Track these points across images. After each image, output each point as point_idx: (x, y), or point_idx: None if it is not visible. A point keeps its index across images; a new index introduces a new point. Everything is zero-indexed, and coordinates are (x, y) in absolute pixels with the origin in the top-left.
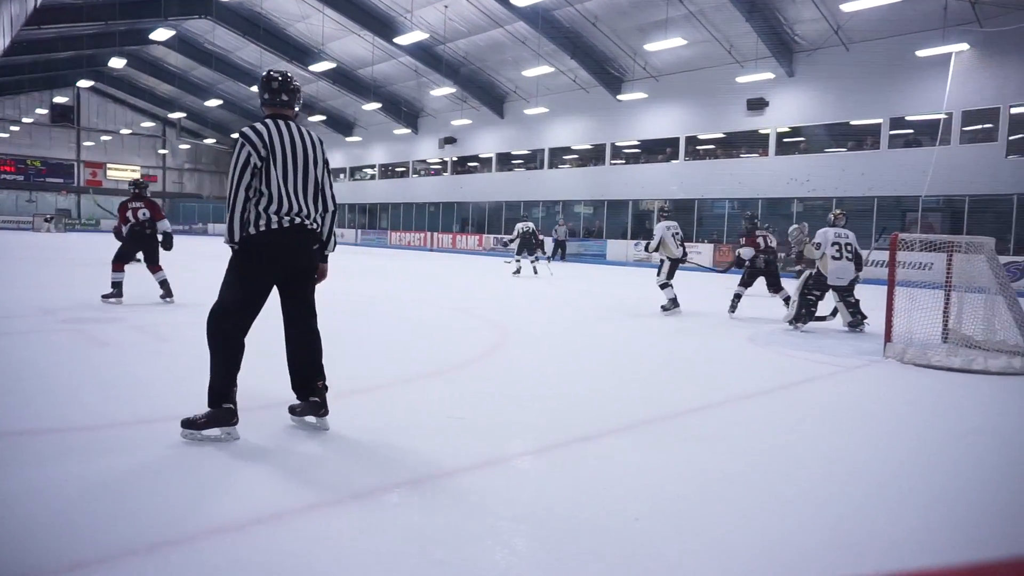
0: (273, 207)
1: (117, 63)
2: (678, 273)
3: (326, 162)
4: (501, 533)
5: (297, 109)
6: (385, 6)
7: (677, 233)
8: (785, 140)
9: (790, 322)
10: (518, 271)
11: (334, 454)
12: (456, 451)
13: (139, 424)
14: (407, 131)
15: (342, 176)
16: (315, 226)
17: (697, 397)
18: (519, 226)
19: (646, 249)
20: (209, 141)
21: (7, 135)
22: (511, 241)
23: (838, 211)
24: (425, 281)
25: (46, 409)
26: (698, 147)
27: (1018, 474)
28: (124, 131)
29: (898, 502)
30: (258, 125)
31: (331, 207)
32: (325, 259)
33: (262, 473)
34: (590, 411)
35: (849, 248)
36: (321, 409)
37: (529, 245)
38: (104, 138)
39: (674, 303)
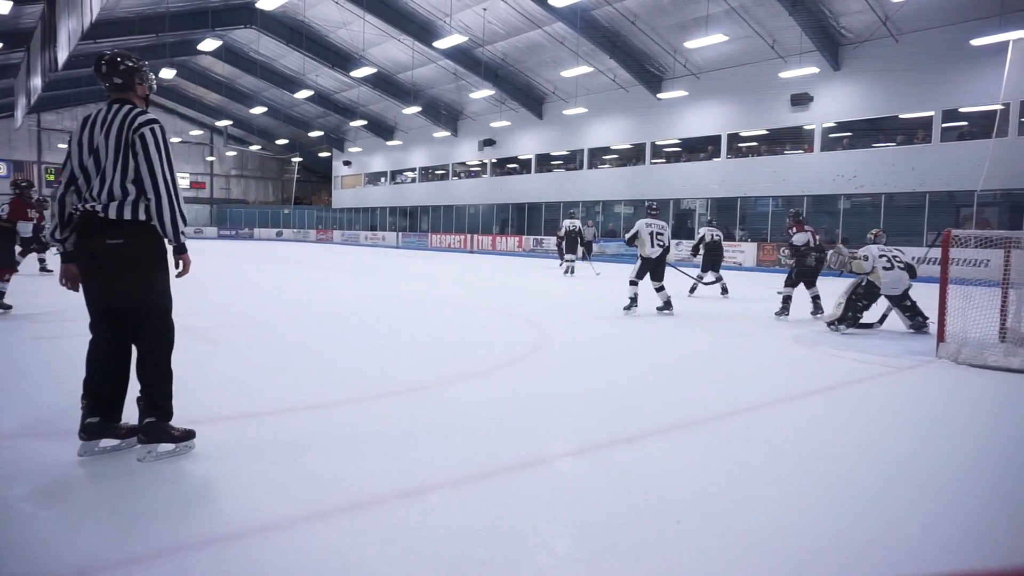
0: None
1: (167, 74)
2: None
3: (143, 145)
4: (542, 534)
5: (132, 90)
6: (424, 11)
7: (659, 233)
8: (831, 135)
9: (831, 323)
10: (570, 271)
11: (377, 454)
12: (497, 452)
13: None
14: (447, 134)
15: (383, 180)
16: (109, 214)
17: (741, 398)
18: (566, 223)
19: (626, 241)
20: (254, 148)
21: (65, 146)
22: (562, 240)
23: (876, 230)
24: (465, 283)
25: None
26: (740, 144)
27: None
28: (174, 139)
29: (954, 505)
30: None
31: (149, 195)
32: (177, 248)
33: (297, 475)
34: (631, 412)
35: (898, 259)
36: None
37: (573, 244)
38: None
39: (633, 303)
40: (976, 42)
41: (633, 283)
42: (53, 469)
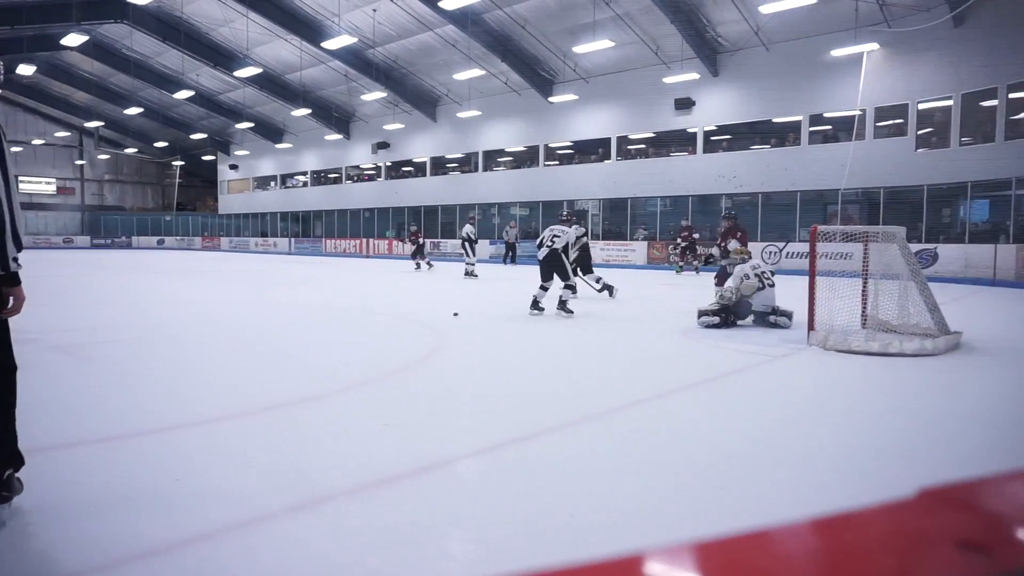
0: None
1: (26, 70)
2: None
3: None
4: (438, 538)
5: None
6: (312, 10)
7: (556, 236)
8: (712, 138)
9: (704, 314)
10: (470, 275)
11: (265, 468)
12: (393, 458)
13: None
14: (339, 137)
15: (273, 184)
16: None
17: (632, 392)
18: (465, 228)
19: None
20: (130, 151)
21: None
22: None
23: (737, 247)
24: (360, 288)
25: None
26: (629, 147)
27: (934, 447)
28: (37, 141)
29: (822, 480)
30: None
31: None
32: (6, 279)
33: (180, 494)
34: (526, 411)
35: (767, 275)
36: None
37: (471, 248)
38: (15, 149)
39: (536, 305)
40: (836, 53)
41: (543, 287)
42: None
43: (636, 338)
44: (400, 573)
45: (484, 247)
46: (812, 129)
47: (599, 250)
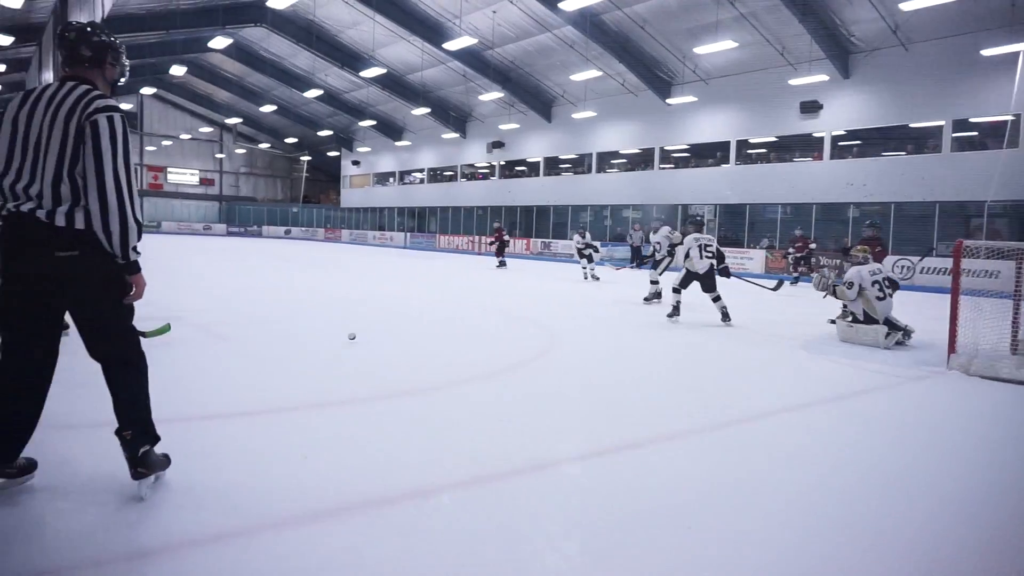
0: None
1: (178, 71)
2: (732, 283)
3: (94, 133)
4: (551, 536)
5: (99, 69)
6: (434, 12)
7: (707, 246)
8: (841, 143)
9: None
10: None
11: (385, 453)
12: (505, 454)
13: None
14: (455, 135)
15: (391, 180)
16: (56, 220)
17: (752, 406)
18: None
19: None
20: (264, 146)
21: None
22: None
23: (859, 246)
24: (475, 285)
25: None
26: (749, 151)
27: None
28: (184, 136)
29: (967, 520)
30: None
31: (92, 197)
32: (127, 268)
33: (306, 471)
34: (639, 418)
35: (888, 283)
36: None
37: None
38: (165, 143)
39: (676, 311)
40: (986, 52)
41: (676, 291)
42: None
43: (752, 348)
44: (513, 567)
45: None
46: (955, 135)
47: None
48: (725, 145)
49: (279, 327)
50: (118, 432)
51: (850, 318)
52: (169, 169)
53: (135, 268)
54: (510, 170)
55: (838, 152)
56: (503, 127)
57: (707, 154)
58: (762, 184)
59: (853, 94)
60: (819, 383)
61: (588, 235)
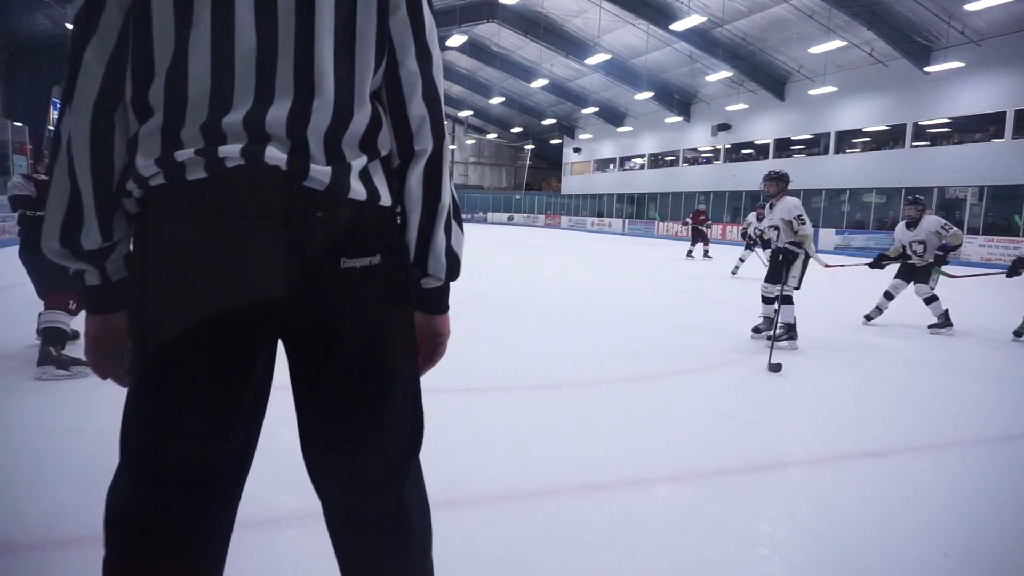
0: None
1: None
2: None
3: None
4: (779, 543)
5: None
6: None
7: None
8: None
9: None
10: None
11: (605, 439)
12: (727, 450)
13: None
14: (679, 119)
15: (611, 167)
16: (349, 186)
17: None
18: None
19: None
20: (491, 136)
21: None
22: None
23: None
24: (697, 274)
25: None
26: None
27: None
28: None
29: None
30: None
31: (422, 143)
32: (436, 303)
33: (529, 449)
34: (882, 424)
35: None
36: None
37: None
38: None
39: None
40: None
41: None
42: None
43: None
44: (738, 570)
45: (829, 236)
46: None
47: (977, 247)
48: (999, 116)
49: (507, 310)
50: None
51: None
52: None
53: (445, 300)
54: (736, 153)
55: None
56: (730, 108)
57: (973, 128)
58: None
59: None
60: None
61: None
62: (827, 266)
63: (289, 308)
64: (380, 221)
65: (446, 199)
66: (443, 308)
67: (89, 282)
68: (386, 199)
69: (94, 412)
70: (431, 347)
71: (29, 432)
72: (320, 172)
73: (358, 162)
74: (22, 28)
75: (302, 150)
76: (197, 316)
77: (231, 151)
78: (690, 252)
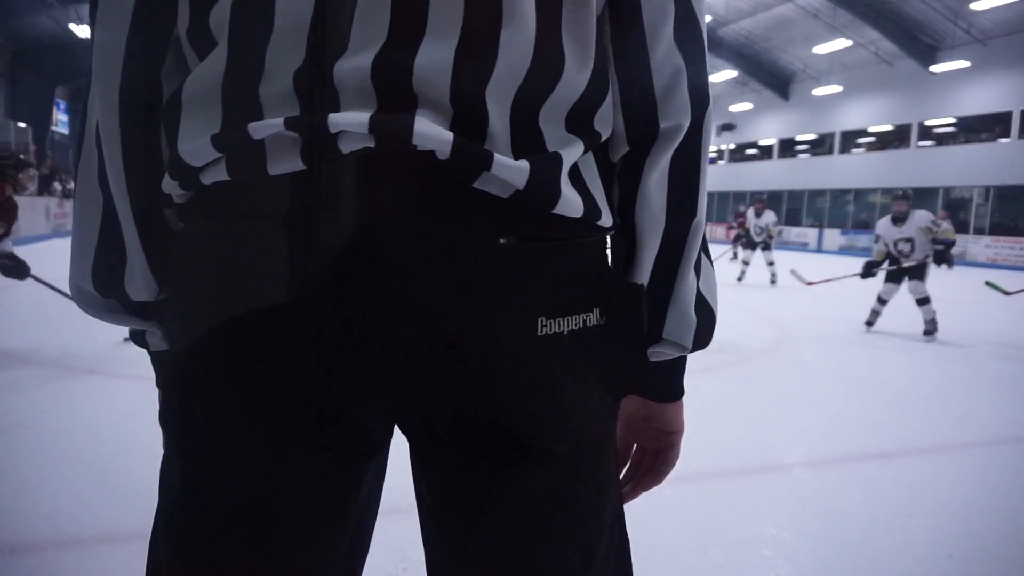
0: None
1: None
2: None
3: None
4: (784, 546)
5: None
6: None
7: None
8: None
9: None
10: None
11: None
12: (729, 451)
13: None
14: None
15: None
16: (555, 195)
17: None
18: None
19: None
20: None
21: None
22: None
23: None
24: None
25: None
26: None
27: None
28: None
29: None
30: None
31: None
32: (669, 383)
33: None
34: (887, 427)
35: None
36: None
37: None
38: None
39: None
40: None
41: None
42: None
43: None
44: (739, 569)
45: (835, 236)
46: None
47: (983, 247)
48: (1005, 116)
49: None
50: None
51: None
52: None
53: (680, 379)
54: (740, 153)
55: None
56: (734, 108)
57: (979, 128)
58: None
59: None
60: None
61: (769, 215)
62: (810, 283)
63: (437, 401)
64: (599, 254)
65: (702, 213)
66: (678, 393)
67: (155, 347)
68: (606, 216)
69: (95, 412)
70: (656, 452)
71: (29, 432)
72: (508, 167)
73: (570, 152)
74: (25, 28)
75: (477, 124)
76: (294, 405)
77: (350, 121)
78: (736, 256)
